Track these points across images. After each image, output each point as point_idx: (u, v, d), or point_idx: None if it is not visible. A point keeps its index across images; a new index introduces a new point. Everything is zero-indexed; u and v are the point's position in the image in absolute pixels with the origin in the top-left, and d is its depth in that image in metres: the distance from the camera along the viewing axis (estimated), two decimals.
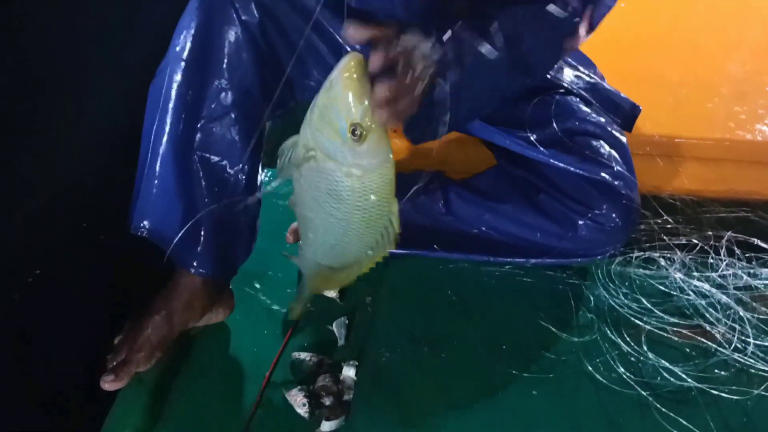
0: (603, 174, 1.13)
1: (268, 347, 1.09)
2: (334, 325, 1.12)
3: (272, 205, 1.32)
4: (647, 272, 1.16)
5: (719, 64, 1.54)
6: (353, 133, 0.75)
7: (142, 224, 1.06)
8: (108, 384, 0.97)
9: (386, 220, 0.83)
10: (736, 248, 1.19)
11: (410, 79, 0.77)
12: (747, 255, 1.18)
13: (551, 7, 0.97)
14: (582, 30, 1.05)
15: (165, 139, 1.04)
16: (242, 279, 1.15)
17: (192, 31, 1.04)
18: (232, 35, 1.06)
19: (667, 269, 1.16)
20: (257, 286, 1.20)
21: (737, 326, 1.05)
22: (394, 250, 0.91)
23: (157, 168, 1.05)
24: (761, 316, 1.07)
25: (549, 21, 0.98)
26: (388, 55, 0.76)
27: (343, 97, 0.75)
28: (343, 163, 0.78)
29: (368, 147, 0.76)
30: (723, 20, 1.71)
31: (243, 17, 1.06)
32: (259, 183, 1.14)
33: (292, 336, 1.11)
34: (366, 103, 0.75)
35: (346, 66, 0.74)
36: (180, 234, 1.01)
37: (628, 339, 1.06)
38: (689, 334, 1.06)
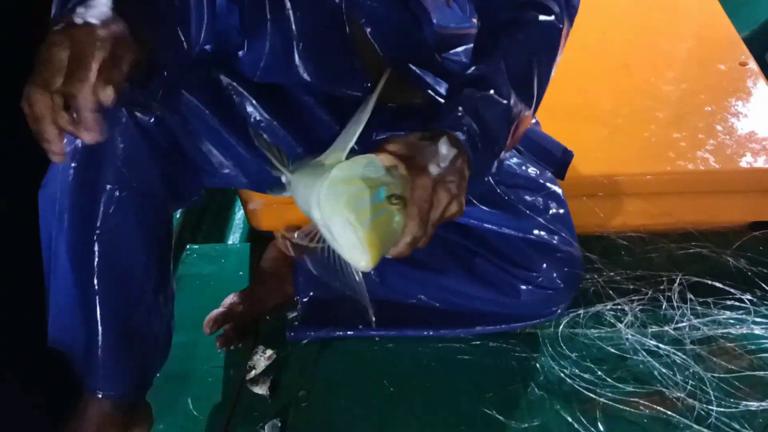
0: (539, 232, 1.05)
1: None
2: (265, 428, 1.02)
3: (190, 291, 1.22)
4: (597, 332, 1.07)
5: (652, 85, 1.45)
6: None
7: (52, 338, 0.97)
8: None
9: None
10: (689, 294, 1.11)
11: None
12: (702, 300, 1.10)
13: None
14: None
15: (63, 251, 0.93)
16: (160, 382, 1.04)
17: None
18: (125, 135, 0.93)
19: (618, 326, 1.07)
20: (178, 388, 1.09)
21: (698, 391, 0.97)
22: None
23: (59, 283, 0.95)
24: (722, 375, 0.99)
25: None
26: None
27: None
28: None
29: None
30: (652, 34, 1.62)
31: (138, 114, 0.94)
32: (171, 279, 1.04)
33: None
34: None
35: None
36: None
37: (581, 417, 0.97)
38: (647, 403, 0.98)
